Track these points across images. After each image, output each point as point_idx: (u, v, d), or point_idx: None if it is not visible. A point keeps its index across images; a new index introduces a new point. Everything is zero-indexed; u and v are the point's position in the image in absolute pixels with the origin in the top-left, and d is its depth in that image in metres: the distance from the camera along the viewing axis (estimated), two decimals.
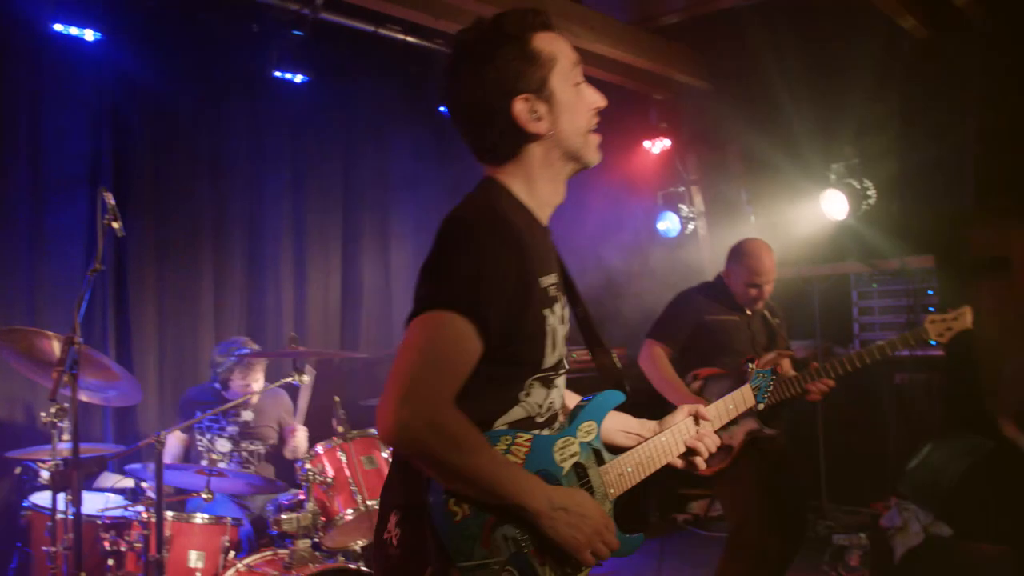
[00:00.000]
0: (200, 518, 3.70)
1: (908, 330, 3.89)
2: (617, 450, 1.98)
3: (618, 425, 2.09)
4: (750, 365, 2.48)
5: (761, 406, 2.36)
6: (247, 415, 4.64)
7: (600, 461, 1.89)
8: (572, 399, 2.00)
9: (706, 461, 3.93)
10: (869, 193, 5.68)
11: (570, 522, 1.68)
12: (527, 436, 1.73)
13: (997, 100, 5.38)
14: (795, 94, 6.02)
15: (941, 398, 5.87)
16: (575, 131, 1.84)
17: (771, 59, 6.03)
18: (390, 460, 1.85)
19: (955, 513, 4.78)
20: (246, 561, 3.60)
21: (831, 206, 5.76)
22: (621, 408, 2.00)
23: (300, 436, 4.67)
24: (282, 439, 4.74)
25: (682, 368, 4.05)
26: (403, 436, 1.56)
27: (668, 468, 3.47)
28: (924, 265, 5.96)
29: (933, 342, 3.81)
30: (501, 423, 1.74)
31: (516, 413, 1.75)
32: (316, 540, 3.69)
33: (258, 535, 4.14)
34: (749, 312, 4.11)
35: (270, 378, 4.65)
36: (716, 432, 3.48)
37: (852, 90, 5.73)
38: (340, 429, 4.01)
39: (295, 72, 5.31)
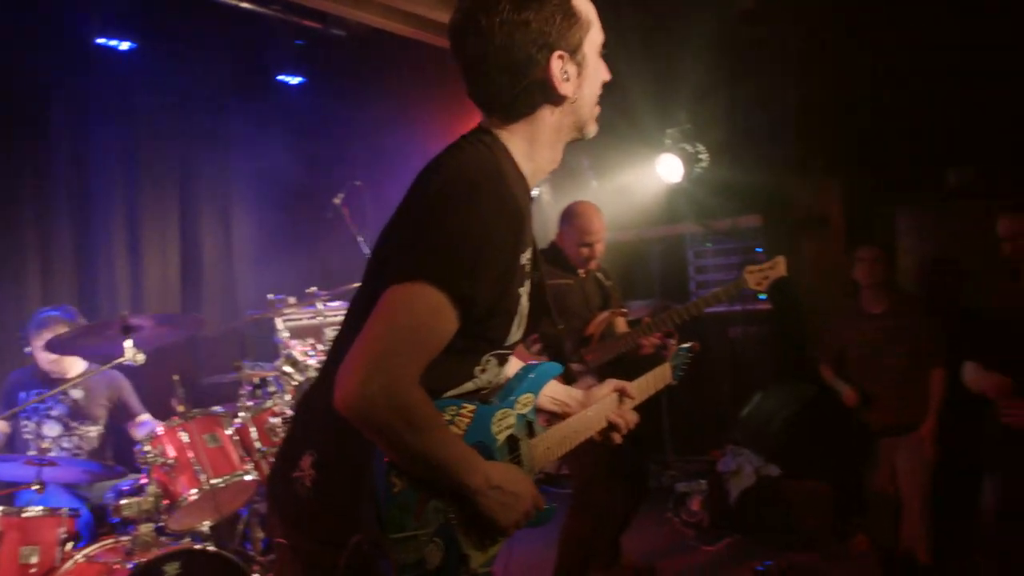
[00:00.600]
0: (32, 511, 3.51)
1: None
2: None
3: (549, 391, 2.06)
4: (670, 341, 2.58)
5: (675, 382, 2.49)
6: (76, 393, 4.42)
7: (531, 434, 1.89)
8: (515, 366, 1.96)
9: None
10: (701, 157, 5.92)
11: (503, 501, 1.67)
12: (471, 407, 1.71)
13: (816, 68, 5.71)
14: (631, 61, 6.19)
15: (770, 349, 6.24)
16: (591, 100, 1.79)
17: (606, 26, 6.15)
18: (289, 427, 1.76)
19: (782, 454, 5.14)
20: (85, 552, 3.46)
21: (666, 170, 5.97)
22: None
23: (149, 419, 4.53)
24: (124, 418, 4.57)
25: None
26: (365, 411, 1.49)
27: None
28: (753, 224, 6.29)
29: (749, 291, 4.04)
30: (451, 394, 1.70)
31: (466, 387, 1.72)
32: (160, 524, 3.60)
33: (99, 524, 3.99)
34: (583, 274, 4.24)
35: (101, 360, 4.47)
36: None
37: (685, 57, 5.92)
38: (180, 408, 3.91)
39: (120, 39, 5.06)
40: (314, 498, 1.64)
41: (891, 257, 4.56)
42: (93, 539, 3.77)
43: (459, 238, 1.53)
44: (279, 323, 4.71)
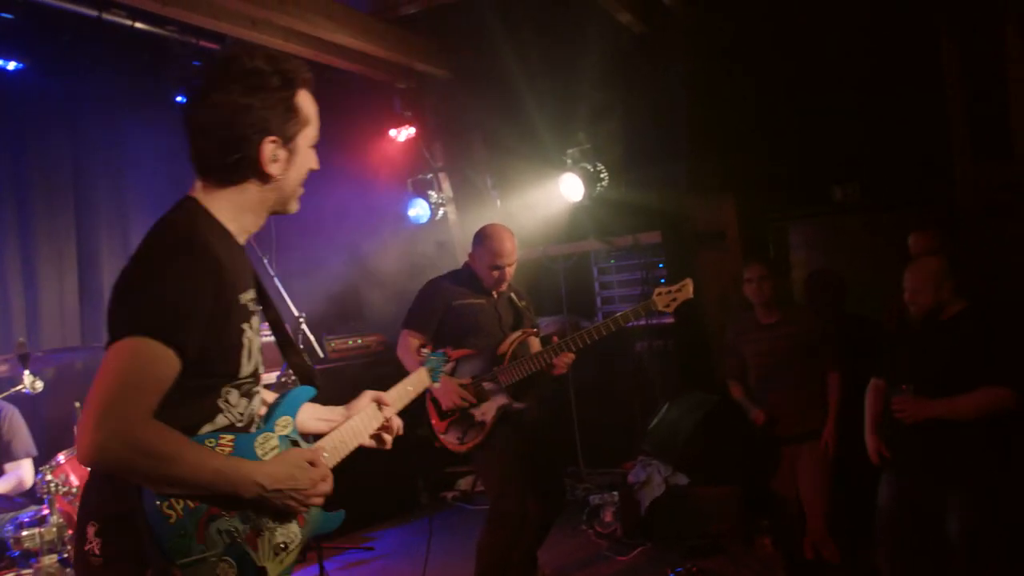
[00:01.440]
0: None
1: (640, 301, 4.21)
2: (316, 438, 2.16)
3: (312, 415, 2.22)
4: (424, 351, 2.80)
5: (436, 385, 2.70)
6: None
7: None
8: (269, 398, 2.13)
9: (461, 438, 4.11)
10: (602, 175, 6.08)
11: (285, 494, 1.83)
12: (230, 437, 1.84)
13: (706, 88, 5.94)
14: (532, 83, 6.34)
15: (675, 361, 6.41)
16: (296, 183, 1.95)
17: (508, 49, 6.30)
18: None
19: (689, 463, 5.27)
20: None
21: (569, 188, 6.11)
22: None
23: (25, 468, 4.33)
24: (5, 457, 4.37)
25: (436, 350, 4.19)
26: (103, 457, 1.60)
27: (435, 449, 3.68)
28: (653, 240, 6.47)
29: (658, 312, 4.15)
30: (206, 430, 1.82)
31: (219, 421, 1.84)
32: (64, 555, 3.47)
33: None
34: (495, 295, 4.30)
35: None
36: (469, 411, 3.64)
37: (582, 80, 6.09)
38: None
39: (7, 59, 4.91)
40: (104, 563, 1.75)
41: (779, 271, 4.75)
42: None
43: (160, 293, 1.69)
44: None
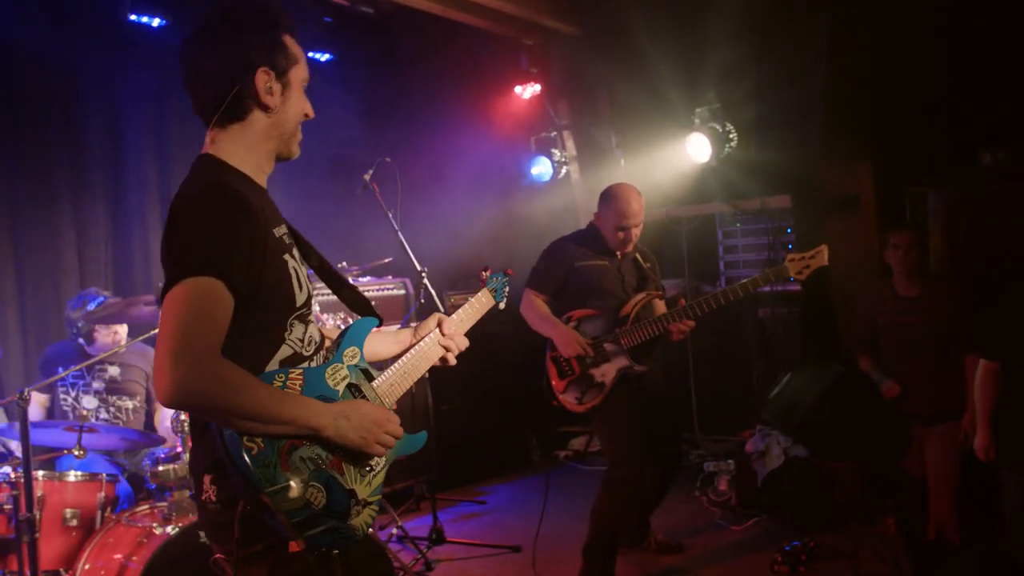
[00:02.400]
0: (73, 475, 3.62)
1: (769, 267, 4.08)
2: (385, 365, 2.24)
3: (383, 339, 2.34)
4: (484, 273, 2.70)
5: (501, 305, 2.66)
6: (113, 370, 4.52)
7: (370, 378, 2.11)
8: (333, 333, 2.21)
9: (580, 398, 4.11)
10: (731, 136, 5.91)
11: (352, 425, 1.90)
12: (298, 371, 1.91)
13: (843, 48, 5.65)
14: (660, 40, 6.17)
15: (799, 330, 6.21)
16: (293, 120, 2.02)
17: (637, 5, 6.15)
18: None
19: (810, 435, 5.12)
20: (124, 515, 3.55)
21: (696, 149, 5.96)
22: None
23: (168, 412, 4.60)
24: (151, 400, 4.65)
25: (558, 311, 4.19)
26: (183, 394, 1.68)
27: (550, 408, 3.69)
28: (782, 204, 6.24)
29: (790, 279, 4.01)
30: (272, 364, 1.90)
31: (283, 352, 1.93)
32: None
33: (136, 490, 4.07)
34: (619, 256, 4.24)
35: (138, 332, 4.54)
36: (588, 371, 3.64)
37: (714, 37, 5.88)
38: None
39: (152, 15, 5.10)
40: (220, 508, 1.86)
41: (925, 240, 4.49)
42: (131, 504, 3.85)
43: (197, 235, 1.79)
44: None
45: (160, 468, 3.57)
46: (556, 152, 6.98)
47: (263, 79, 1.93)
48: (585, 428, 6.90)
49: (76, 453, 3.61)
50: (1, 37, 4.78)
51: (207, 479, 1.88)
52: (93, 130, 5.30)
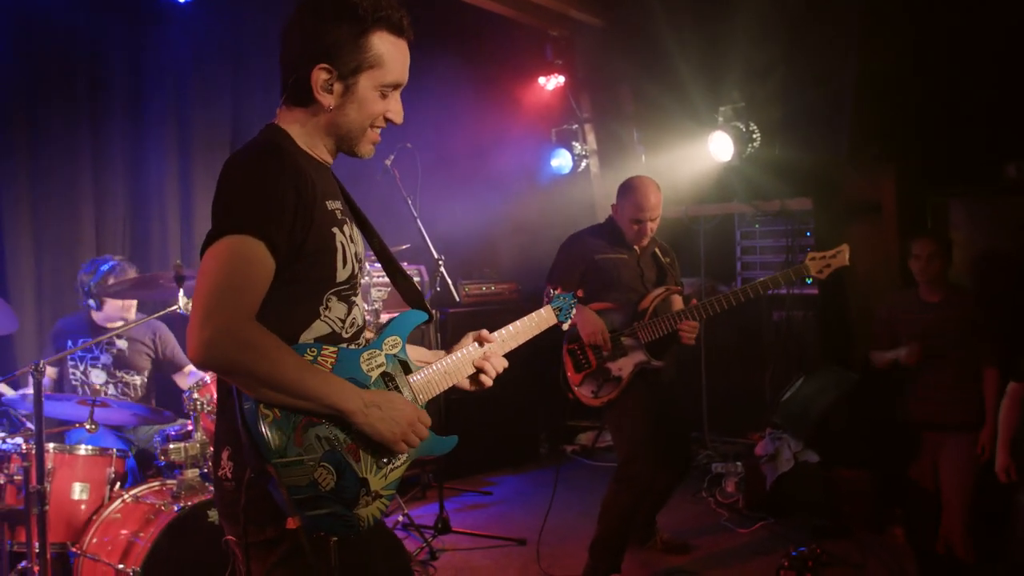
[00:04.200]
0: (83, 449, 3.62)
1: (790, 266, 4.04)
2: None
3: (411, 355, 2.17)
4: (553, 291, 2.60)
5: (566, 325, 2.52)
6: (121, 343, 4.54)
7: (407, 371, 2.02)
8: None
9: (596, 392, 4.08)
10: (754, 136, 5.85)
11: (383, 416, 1.82)
12: (332, 349, 1.85)
13: (873, 52, 5.59)
14: (686, 37, 6.12)
15: (815, 334, 6.17)
16: (356, 124, 1.92)
17: (662, 2, 6.11)
18: None
19: (822, 441, 5.09)
20: (133, 492, 3.55)
21: (718, 148, 5.91)
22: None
23: (194, 375, 4.63)
24: (170, 369, 4.68)
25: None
26: (210, 353, 1.64)
27: (559, 402, 3.59)
28: (803, 207, 6.19)
29: (809, 280, 3.98)
30: (306, 338, 1.84)
31: (319, 328, 1.86)
32: (205, 470, 3.65)
33: (145, 467, 4.08)
34: (638, 249, 4.21)
35: (151, 309, 4.54)
36: (605, 364, 3.62)
37: (740, 35, 5.83)
38: None
39: None
40: (235, 486, 1.80)
41: (948, 250, 4.45)
42: (139, 481, 3.85)
43: (241, 194, 1.76)
44: None
45: (171, 446, 3.56)
46: (577, 145, 6.95)
47: (321, 76, 1.86)
48: (594, 423, 6.88)
49: (88, 427, 3.61)
50: (27, 8, 4.77)
51: (225, 454, 1.85)
52: (114, 105, 5.28)
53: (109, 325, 4.47)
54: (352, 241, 1.95)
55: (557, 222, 6.45)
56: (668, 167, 6.34)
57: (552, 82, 6.83)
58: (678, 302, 4.20)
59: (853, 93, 5.66)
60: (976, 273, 5.11)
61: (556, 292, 2.56)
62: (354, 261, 1.94)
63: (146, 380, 4.61)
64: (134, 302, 4.51)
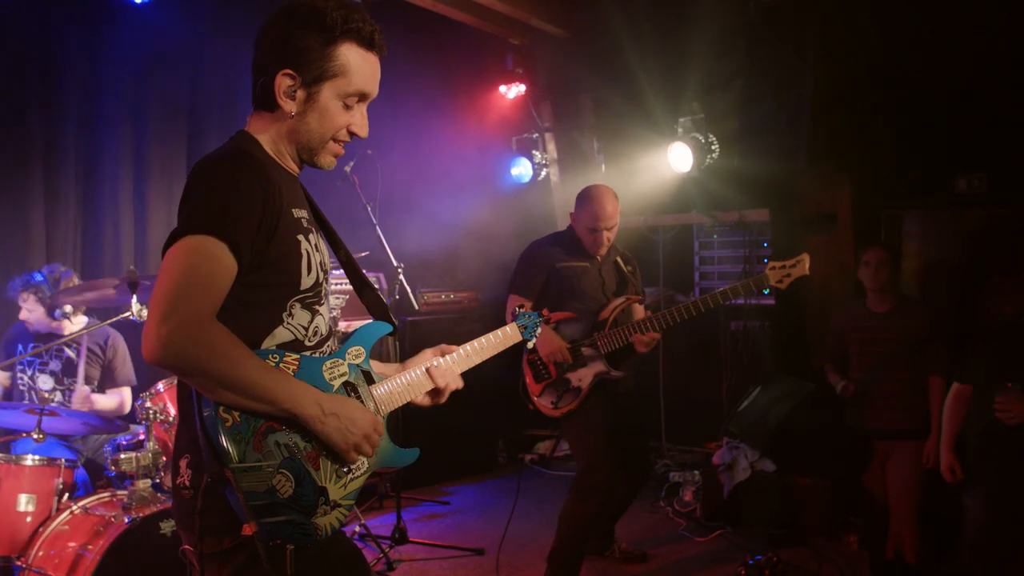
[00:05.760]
0: (30, 459, 3.52)
1: (750, 276, 4.06)
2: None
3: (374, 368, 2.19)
4: (517, 309, 2.58)
5: (531, 344, 2.52)
6: (71, 352, 4.43)
7: (370, 381, 2.02)
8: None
9: (556, 403, 4.07)
10: (713, 147, 5.90)
11: (340, 427, 1.81)
12: (295, 356, 1.84)
13: (830, 66, 5.67)
14: (647, 48, 6.16)
15: (772, 344, 6.23)
16: (317, 133, 1.92)
17: (626, 12, 6.14)
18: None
19: (778, 450, 5.13)
20: (82, 503, 3.46)
21: (677, 158, 5.95)
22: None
23: (126, 394, 4.56)
24: (109, 382, 4.58)
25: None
26: (167, 352, 1.62)
27: (518, 411, 3.56)
28: (761, 218, 6.26)
29: (766, 292, 4.00)
30: (268, 344, 1.83)
31: (282, 335, 1.86)
32: (157, 480, 3.58)
33: (95, 477, 3.98)
34: (599, 259, 4.21)
35: (103, 315, 4.44)
36: (565, 375, 3.59)
37: (699, 48, 5.88)
38: None
39: None
40: (193, 494, 1.78)
41: (897, 260, 4.54)
42: (89, 491, 3.75)
43: (207, 195, 1.74)
44: None
45: (122, 455, 3.48)
46: (537, 154, 6.95)
47: (284, 81, 1.87)
48: (553, 432, 6.87)
49: (35, 436, 3.52)
50: None
51: (183, 462, 1.82)
52: (68, 108, 5.18)
53: (66, 331, 4.37)
54: (317, 250, 1.94)
55: (517, 230, 6.45)
56: (628, 177, 6.37)
57: (513, 91, 6.83)
58: (639, 311, 4.21)
59: (810, 106, 5.73)
60: (925, 283, 5.20)
61: (522, 309, 2.54)
62: (319, 270, 1.93)
63: (95, 388, 4.51)
64: (79, 311, 4.40)
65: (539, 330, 2.54)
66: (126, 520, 3.29)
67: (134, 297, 3.71)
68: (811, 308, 5.87)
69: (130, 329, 4.44)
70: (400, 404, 2.09)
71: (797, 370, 5.62)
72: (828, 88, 5.67)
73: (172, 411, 3.75)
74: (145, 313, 3.76)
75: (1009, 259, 5.01)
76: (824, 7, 5.64)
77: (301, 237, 1.88)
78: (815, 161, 5.80)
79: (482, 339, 2.34)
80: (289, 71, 1.86)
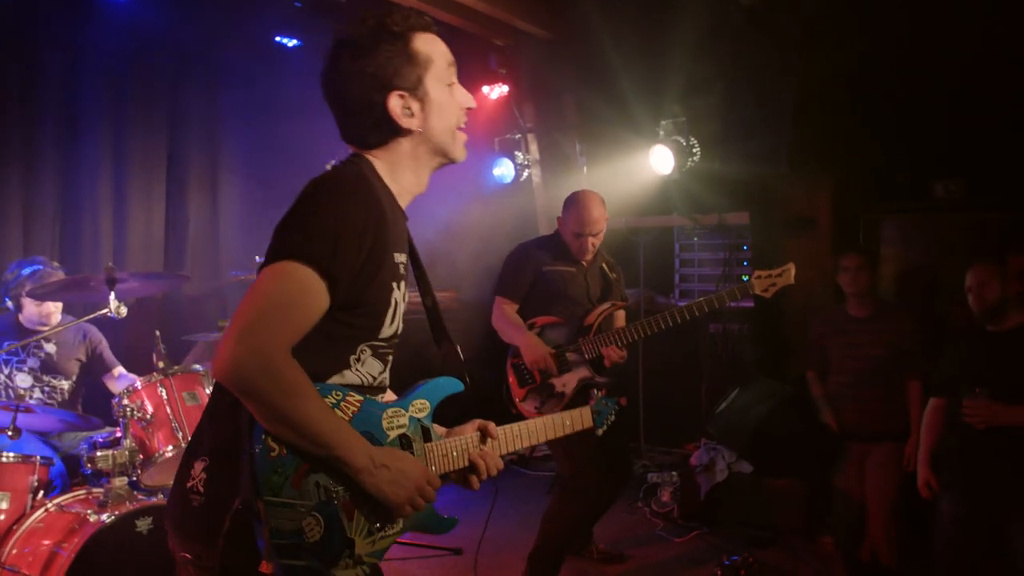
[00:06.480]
0: (5, 457, 3.48)
1: (725, 282, 4.08)
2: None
3: None
4: (595, 392, 2.48)
5: (599, 432, 2.43)
6: (50, 347, 4.40)
7: (427, 439, 1.93)
8: None
9: (540, 407, 4.05)
10: (694, 150, 5.93)
11: (391, 479, 1.73)
12: (358, 397, 1.78)
13: (811, 70, 5.71)
14: (630, 51, 6.18)
15: (751, 346, 6.26)
16: (444, 129, 1.91)
17: (609, 15, 6.16)
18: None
19: (756, 452, 5.16)
20: (57, 501, 3.44)
21: (659, 161, 5.97)
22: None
23: (122, 371, 4.54)
24: (100, 371, 4.56)
25: (521, 316, 4.14)
26: (235, 373, 1.58)
27: (497, 412, 3.50)
28: (741, 221, 6.30)
29: (755, 296, 4.00)
30: (335, 381, 1.77)
31: (349, 378, 1.80)
32: (134, 478, 3.56)
33: (71, 474, 3.95)
34: (585, 264, 4.22)
35: (80, 312, 4.42)
36: (549, 380, 3.56)
37: (681, 51, 5.90)
38: (161, 364, 3.86)
39: None
40: (205, 500, 1.71)
41: (876, 265, 4.59)
42: (65, 489, 3.73)
43: (321, 222, 1.68)
44: None
45: (98, 453, 3.45)
46: (519, 155, 6.96)
47: (396, 104, 1.84)
48: None
49: (9, 433, 3.48)
50: None
51: (199, 465, 1.74)
52: (47, 104, 5.14)
53: (39, 328, 4.33)
54: (404, 299, 1.89)
55: (499, 231, 6.46)
56: (609, 179, 6.38)
57: (496, 91, 6.84)
58: (621, 318, 4.22)
59: (792, 110, 5.78)
60: (903, 288, 5.25)
61: (600, 395, 2.45)
62: (400, 321, 1.88)
63: (74, 385, 4.48)
64: (57, 306, 4.37)
65: (612, 418, 2.44)
66: (102, 518, 3.26)
67: (112, 294, 3.69)
68: (790, 311, 5.91)
69: (108, 323, 4.41)
70: (452, 469, 1.99)
71: (776, 372, 5.66)
72: (809, 93, 5.72)
73: (150, 409, 3.74)
74: (123, 310, 3.74)
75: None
76: (805, 12, 5.68)
77: (395, 285, 1.83)
78: (795, 165, 5.85)
79: (544, 420, 2.25)
80: (395, 91, 1.83)
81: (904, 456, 4.28)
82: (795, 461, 4.99)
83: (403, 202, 1.93)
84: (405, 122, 1.85)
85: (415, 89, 1.85)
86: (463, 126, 1.95)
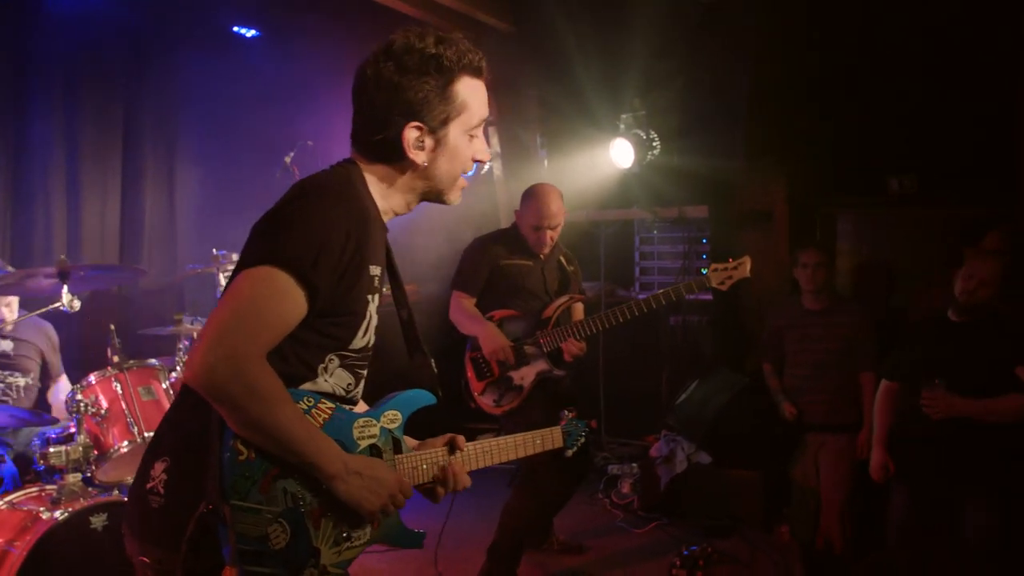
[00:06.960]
0: None
1: (684, 275, 4.12)
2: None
3: None
4: (566, 413, 2.49)
5: (569, 452, 2.45)
6: (5, 344, 4.32)
7: (397, 450, 1.91)
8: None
9: (498, 401, 4.05)
10: (654, 144, 5.97)
11: (364, 485, 1.72)
12: (330, 404, 1.77)
13: (766, 66, 5.77)
14: (591, 45, 6.19)
15: (710, 338, 6.33)
16: (448, 173, 1.89)
17: (571, 9, 6.16)
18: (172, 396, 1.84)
19: (714, 443, 5.22)
20: (8, 498, 3.36)
21: (619, 154, 6.00)
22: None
23: (64, 384, 4.46)
24: (45, 376, 4.47)
25: (480, 310, 4.14)
26: (208, 379, 1.56)
27: (457, 406, 3.47)
28: (700, 214, 6.35)
29: (712, 289, 4.04)
30: (306, 387, 1.76)
31: (321, 386, 1.79)
32: (88, 474, 3.50)
33: (23, 472, 3.88)
34: (543, 257, 4.22)
35: (34, 305, 4.33)
36: (507, 373, 3.55)
37: (640, 46, 5.93)
38: (115, 359, 3.80)
39: None
40: (166, 501, 1.68)
41: (832, 260, 4.66)
42: (17, 486, 3.66)
43: (303, 228, 1.66)
44: (221, 278, 4.62)
45: (51, 449, 3.39)
46: None
47: (411, 134, 1.81)
48: (492, 426, 6.87)
49: None
50: None
51: (159, 465, 1.71)
52: None
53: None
54: (376, 313, 1.86)
55: (460, 224, 6.43)
56: (570, 172, 6.40)
57: None
58: (579, 311, 4.24)
59: (747, 104, 5.83)
60: (857, 282, 5.34)
61: (570, 416, 2.46)
62: (373, 334, 1.86)
63: (31, 382, 4.40)
64: (12, 300, 4.29)
65: (582, 440, 2.46)
66: (55, 515, 3.20)
67: (65, 287, 3.63)
68: (748, 303, 5.97)
69: (61, 320, 4.34)
70: (420, 481, 1.97)
71: (735, 364, 5.72)
72: (765, 87, 5.78)
73: (104, 404, 3.68)
74: (76, 304, 3.68)
75: (938, 258, 5.17)
76: (762, 8, 5.74)
77: (370, 297, 1.81)
78: (752, 159, 5.91)
79: (515, 437, 2.24)
80: (416, 124, 1.80)
81: (856, 447, 4.36)
82: (753, 452, 5.06)
83: (386, 218, 1.91)
84: (412, 153, 1.83)
85: (437, 129, 1.83)
86: (467, 174, 1.93)
